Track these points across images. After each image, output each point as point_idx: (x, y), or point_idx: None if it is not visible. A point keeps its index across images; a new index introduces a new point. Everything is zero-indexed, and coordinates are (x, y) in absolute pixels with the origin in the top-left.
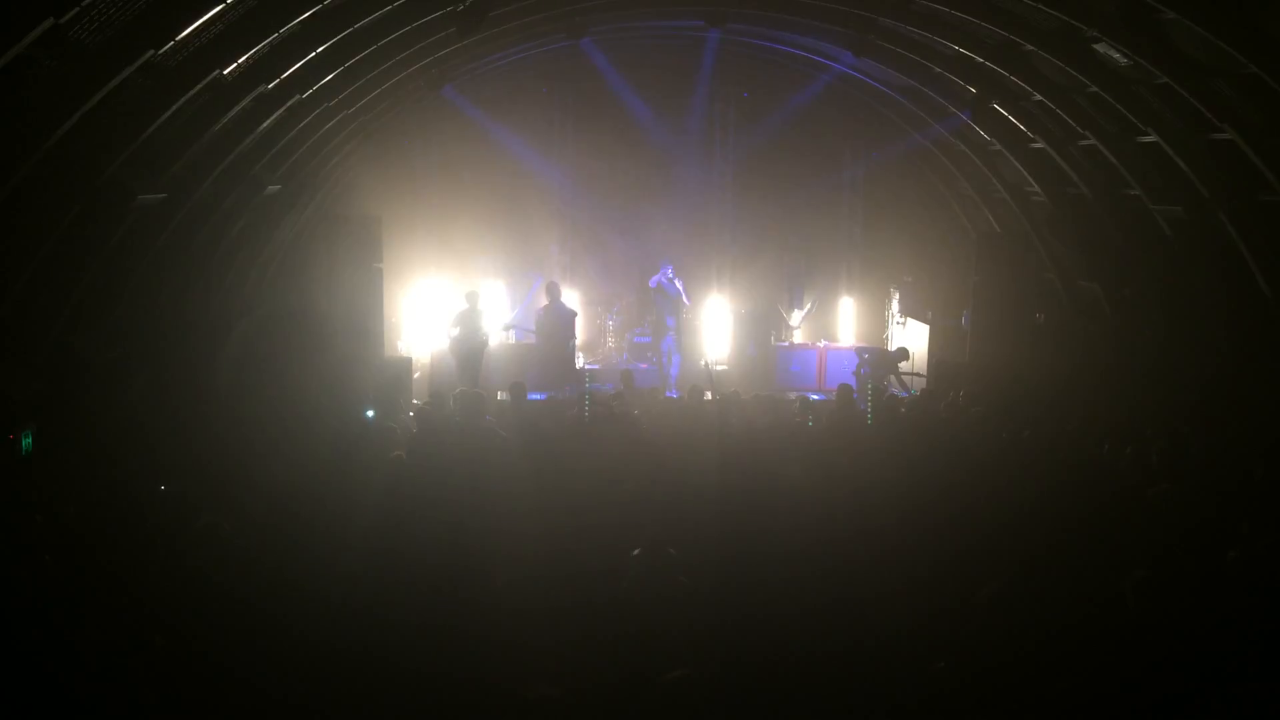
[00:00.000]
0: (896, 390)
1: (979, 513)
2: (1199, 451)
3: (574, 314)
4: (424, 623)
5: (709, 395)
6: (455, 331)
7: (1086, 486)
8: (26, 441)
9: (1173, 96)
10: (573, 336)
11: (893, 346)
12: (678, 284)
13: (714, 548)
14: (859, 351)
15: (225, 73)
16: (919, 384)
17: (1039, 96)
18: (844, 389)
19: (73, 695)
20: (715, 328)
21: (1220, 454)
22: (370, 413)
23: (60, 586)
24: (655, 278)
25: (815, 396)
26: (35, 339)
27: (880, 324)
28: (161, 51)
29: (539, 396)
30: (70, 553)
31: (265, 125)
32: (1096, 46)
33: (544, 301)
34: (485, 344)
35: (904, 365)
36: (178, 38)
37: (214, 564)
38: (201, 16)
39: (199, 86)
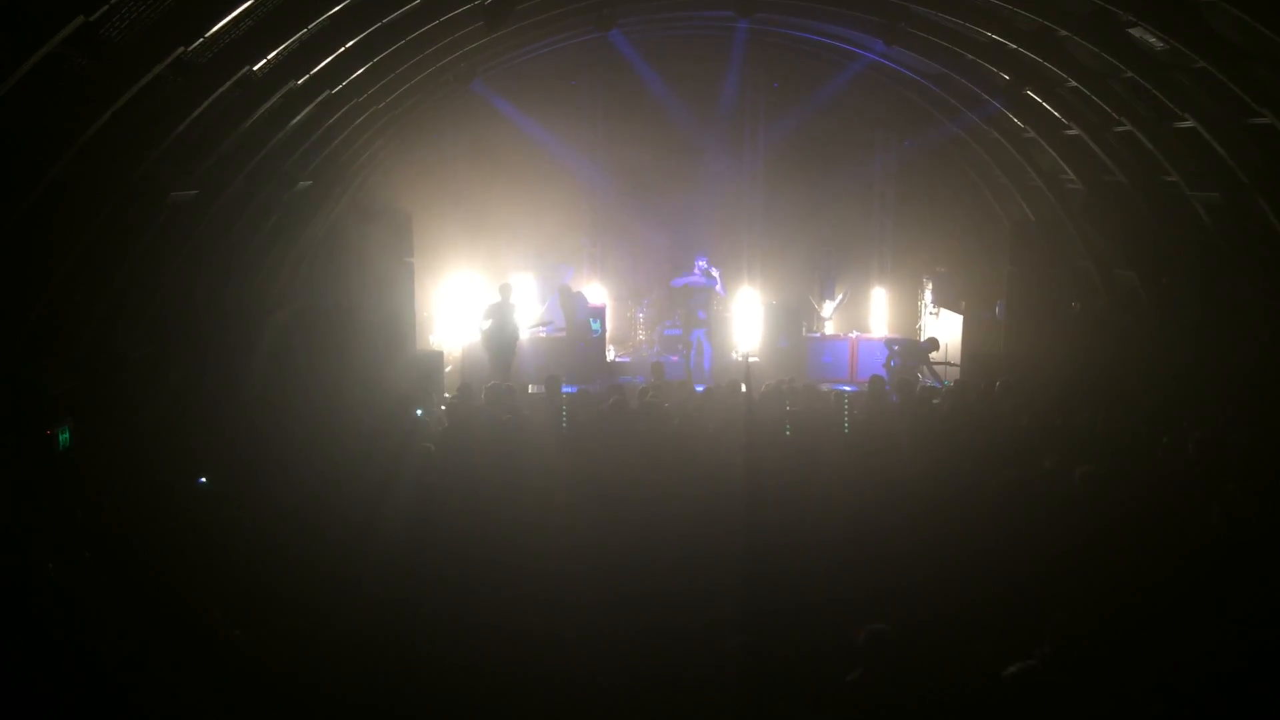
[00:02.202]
0: (928, 381)
1: (1014, 504)
2: (1238, 441)
3: (580, 294)
4: (452, 612)
5: (744, 388)
6: (487, 324)
7: (1123, 477)
8: (64, 437)
9: (1210, 81)
10: (590, 318)
11: (923, 337)
12: (714, 272)
13: (744, 539)
14: (889, 343)
15: (255, 69)
16: (952, 374)
17: (1074, 83)
18: (876, 380)
19: (108, 685)
20: (746, 319)
21: (1260, 444)
22: (420, 411)
23: (98, 580)
24: (679, 279)
25: (848, 388)
26: (71, 335)
27: (913, 315)
28: (191, 48)
29: (571, 389)
30: (108, 546)
31: (296, 121)
32: (1132, 31)
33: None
34: (516, 337)
35: (934, 355)
36: (207, 34)
37: (243, 555)
38: (231, 13)
39: (229, 83)
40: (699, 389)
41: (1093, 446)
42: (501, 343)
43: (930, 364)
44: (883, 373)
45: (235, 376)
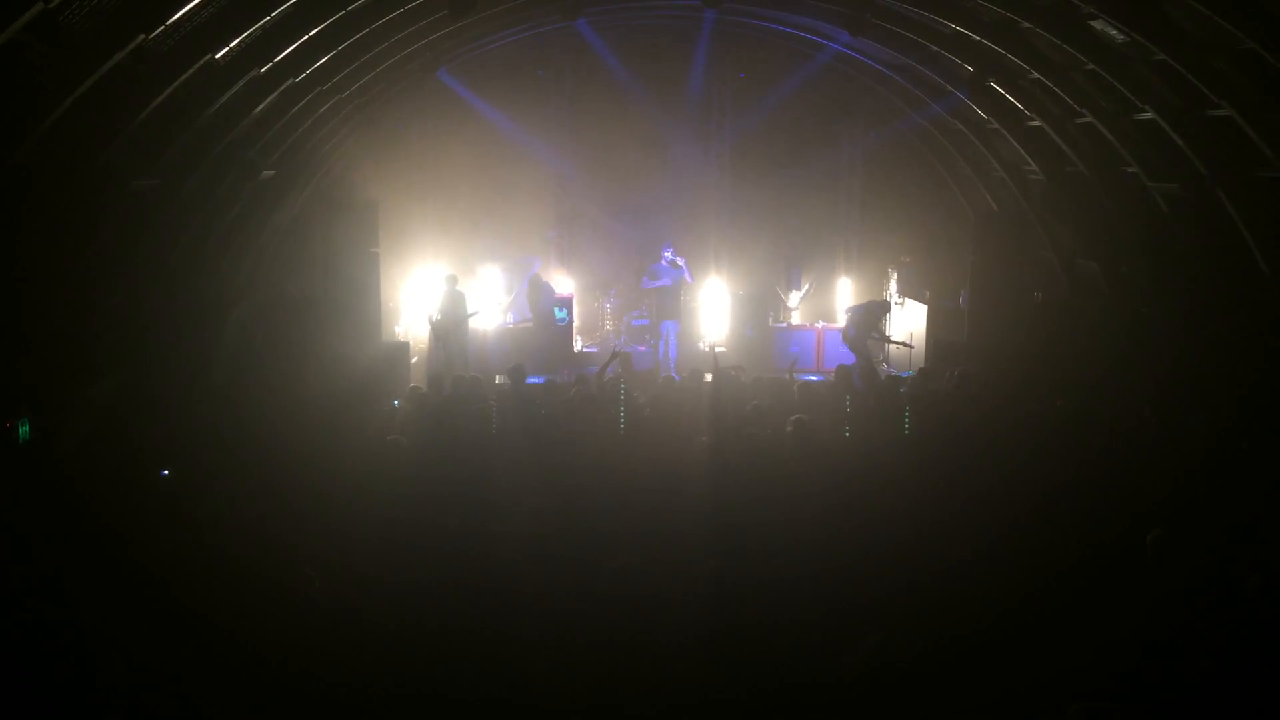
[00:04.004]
0: (890, 370)
1: (976, 491)
2: (1196, 427)
3: (547, 284)
4: (422, 605)
5: (709, 377)
6: (436, 316)
7: (1083, 463)
8: (24, 430)
9: (1170, 73)
10: (555, 306)
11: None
12: (679, 262)
13: (710, 525)
14: (848, 310)
15: (217, 57)
16: (903, 353)
17: (1036, 74)
18: (841, 370)
19: (70, 681)
20: (713, 310)
21: (1218, 431)
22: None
23: (59, 573)
24: (648, 281)
25: (814, 378)
26: (31, 327)
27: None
28: (152, 36)
29: (538, 380)
30: (68, 540)
31: (259, 110)
32: (1094, 23)
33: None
34: (465, 326)
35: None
36: (168, 22)
37: (207, 553)
38: (192, 0)
39: (191, 71)
40: (667, 376)
41: (1055, 433)
42: (450, 333)
43: (884, 332)
44: (849, 356)
45: (197, 368)
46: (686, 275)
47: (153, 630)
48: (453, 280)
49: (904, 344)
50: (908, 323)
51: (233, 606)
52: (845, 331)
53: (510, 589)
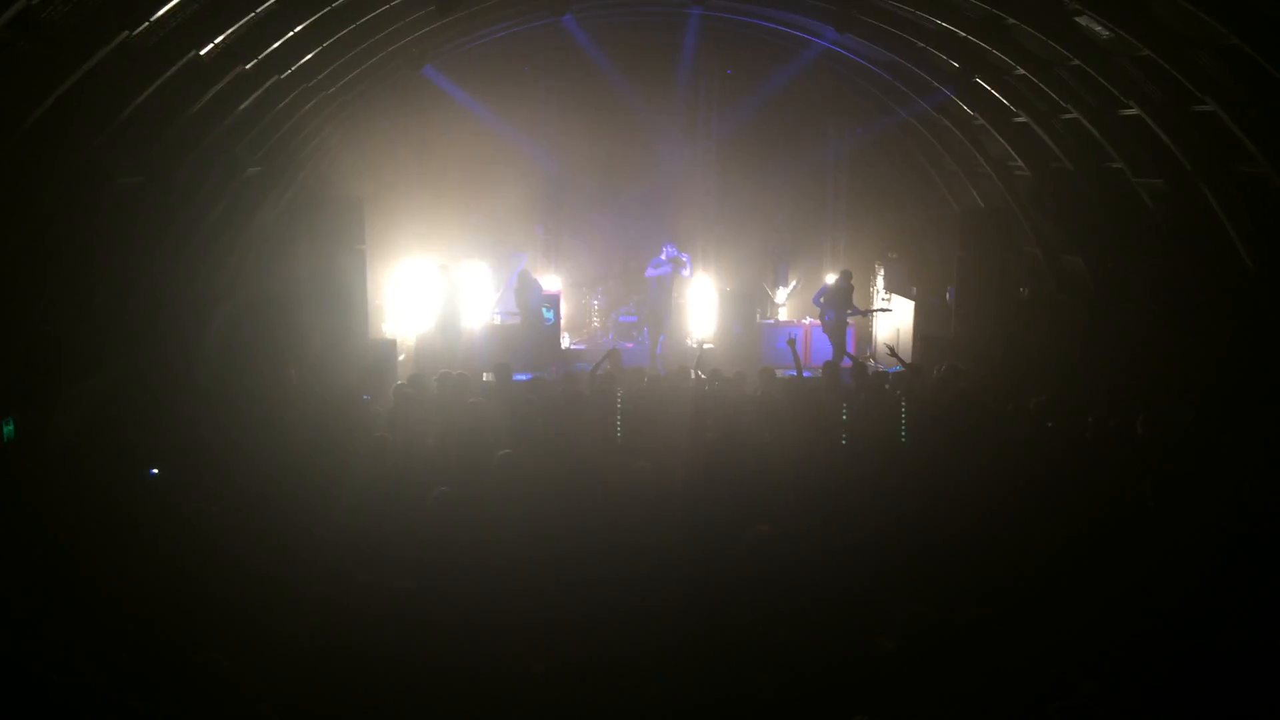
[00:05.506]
0: (875, 362)
1: (962, 486)
2: (1182, 422)
3: (536, 281)
4: (409, 605)
5: (694, 374)
6: (439, 308)
7: (1070, 458)
8: (9, 429)
9: (1154, 69)
10: (544, 306)
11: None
12: (683, 258)
13: (697, 519)
14: (820, 298)
15: (202, 53)
16: (904, 348)
17: (1022, 70)
18: (828, 367)
19: (59, 682)
20: (700, 306)
21: (1204, 425)
22: (366, 397)
23: (43, 575)
24: (653, 271)
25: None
26: (14, 326)
27: (865, 300)
28: (136, 32)
29: (524, 377)
30: (53, 540)
31: (244, 106)
32: (1078, 19)
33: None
34: (458, 319)
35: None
36: (152, 18)
37: (196, 553)
38: None
39: (176, 67)
40: (662, 373)
41: (1039, 429)
42: (456, 327)
43: (857, 308)
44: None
45: (182, 367)
46: (686, 271)
47: (142, 630)
48: (446, 270)
49: (883, 309)
50: (895, 319)
51: (222, 606)
52: (821, 316)
53: (497, 593)
